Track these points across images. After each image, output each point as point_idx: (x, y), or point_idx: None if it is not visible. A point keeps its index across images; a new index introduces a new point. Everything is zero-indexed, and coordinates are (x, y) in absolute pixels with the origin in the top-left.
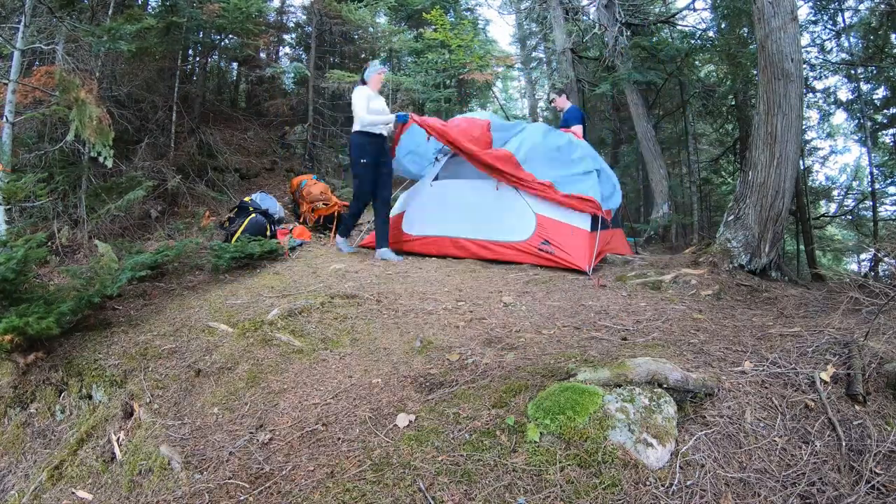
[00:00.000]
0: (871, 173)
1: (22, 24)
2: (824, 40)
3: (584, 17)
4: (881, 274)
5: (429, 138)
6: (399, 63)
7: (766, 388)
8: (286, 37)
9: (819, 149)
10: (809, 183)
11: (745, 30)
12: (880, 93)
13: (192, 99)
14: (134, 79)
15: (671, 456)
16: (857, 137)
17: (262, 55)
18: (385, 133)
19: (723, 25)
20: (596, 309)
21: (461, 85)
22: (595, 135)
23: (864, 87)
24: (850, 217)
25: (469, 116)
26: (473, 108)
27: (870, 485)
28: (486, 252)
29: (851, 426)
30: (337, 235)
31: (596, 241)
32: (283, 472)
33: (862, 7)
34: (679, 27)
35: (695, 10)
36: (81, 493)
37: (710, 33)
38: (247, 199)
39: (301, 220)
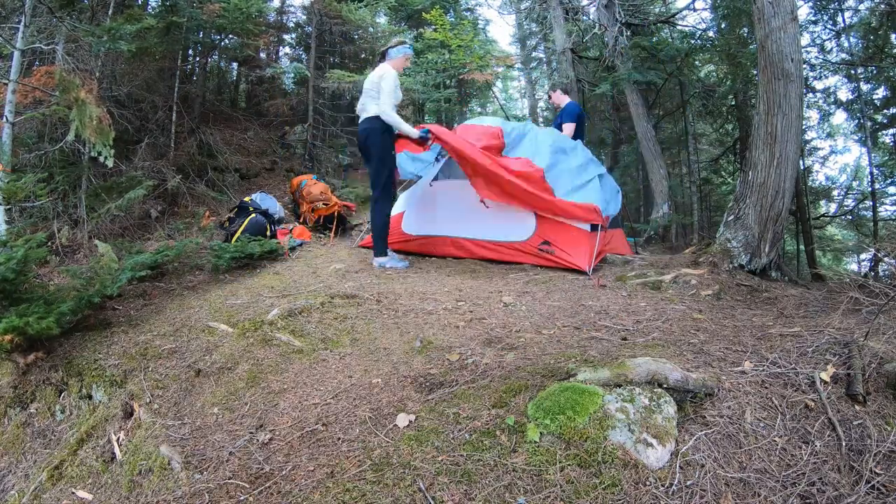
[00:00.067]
0: (871, 173)
1: (22, 24)
2: (824, 40)
3: (584, 17)
4: (881, 274)
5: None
6: None
7: (766, 388)
8: (286, 37)
9: (819, 149)
10: (809, 183)
11: (745, 30)
12: (880, 93)
13: (192, 99)
14: (134, 79)
15: (671, 456)
16: (857, 137)
17: (262, 55)
18: None
19: (723, 25)
20: (596, 309)
21: (461, 85)
22: (595, 135)
23: (864, 87)
24: (850, 217)
25: (480, 124)
26: (473, 108)
27: (870, 485)
28: (486, 252)
29: (851, 426)
30: (376, 258)
31: (596, 241)
32: (283, 472)
33: (862, 7)
34: (679, 27)
35: (695, 10)
36: (81, 493)
37: (710, 33)
38: (247, 199)
39: (301, 220)
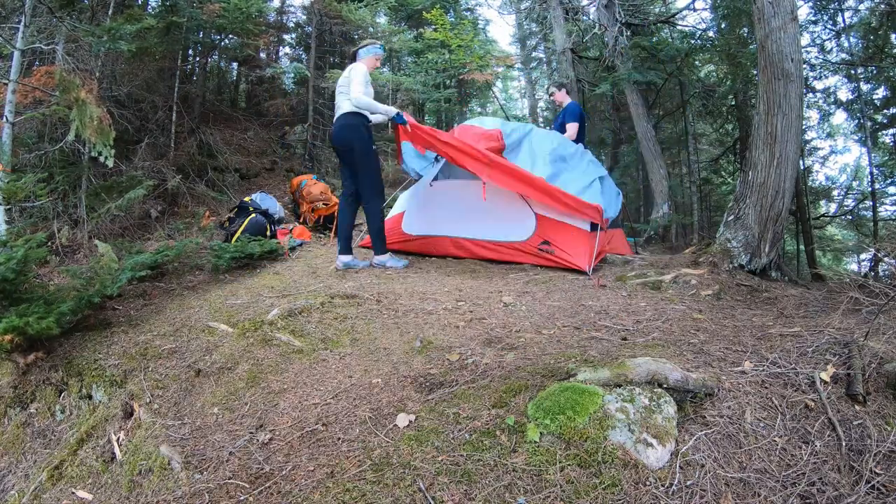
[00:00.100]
0: (871, 173)
1: (22, 24)
2: (824, 40)
3: (584, 17)
4: (881, 274)
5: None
6: (399, 63)
7: (766, 388)
8: (286, 37)
9: (819, 149)
10: (809, 183)
11: (745, 30)
12: (880, 93)
13: (192, 99)
14: (134, 79)
15: (671, 456)
16: (857, 137)
17: (262, 55)
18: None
19: (723, 25)
20: (596, 309)
21: (461, 85)
22: (595, 135)
23: (864, 87)
24: (850, 217)
25: (479, 125)
26: (473, 108)
27: (870, 485)
28: (486, 252)
29: (851, 426)
30: (375, 257)
31: (596, 242)
32: (283, 472)
33: (862, 7)
34: (679, 27)
35: (695, 10)
36: (81, 493)
37: (710, 33)
38: (247, 199)
39: (301, 220)
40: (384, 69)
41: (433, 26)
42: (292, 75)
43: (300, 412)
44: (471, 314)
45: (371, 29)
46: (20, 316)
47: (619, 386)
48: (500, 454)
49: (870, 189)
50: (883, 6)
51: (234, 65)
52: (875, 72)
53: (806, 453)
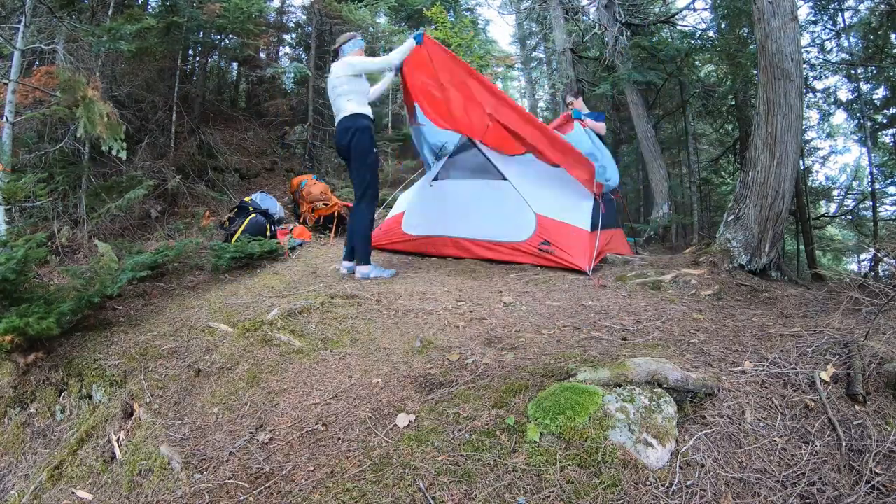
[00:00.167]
0: (871, 173)
1: (22, 24)
2: (824, 40)
3: (584, 17)
4: (881, 274)
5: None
6: None
7: (766, 388)
8: (286, 37)
9: (819, 149)
10: (809, 183)
11: (745, 30)
12: (880, 93)
13: (192, 99)
14: (134, 79)
15: (671, 456)
16: (857, 137)
17: (262, 55)
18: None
19: (723, 25)
20: (596, 309)
21: None
22: None
23: (864, 87)
24: (850, 217)
25: None
26: None
27: (870, 485)
28: (486, 252)
29: (851, 426)
30: (360, 266)
31: (596, 241)
32: (283, 472)
33: (862, 7)
34: (679, 27)
35: (695, 10)
36: (81, 493)
37: (710, 33)
38: (247, 199)
39: (301, 220)
40: None
41: (434, 25)
42: (292, 75)
43: (300, 412)
44: (471, 314)
45: (371, 29)
46: (20, 316)
47: (619, 386)
48: (500, 454)
49: (870, 189)
50: (883, 6)
51: (234, 65)
52: (875, 72)
53: (806, 453)
